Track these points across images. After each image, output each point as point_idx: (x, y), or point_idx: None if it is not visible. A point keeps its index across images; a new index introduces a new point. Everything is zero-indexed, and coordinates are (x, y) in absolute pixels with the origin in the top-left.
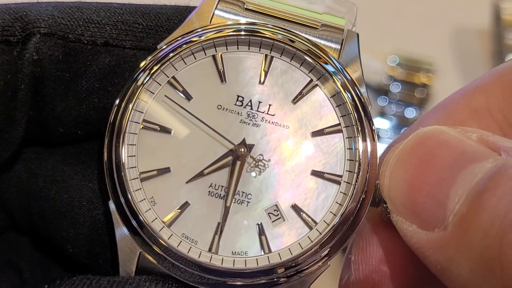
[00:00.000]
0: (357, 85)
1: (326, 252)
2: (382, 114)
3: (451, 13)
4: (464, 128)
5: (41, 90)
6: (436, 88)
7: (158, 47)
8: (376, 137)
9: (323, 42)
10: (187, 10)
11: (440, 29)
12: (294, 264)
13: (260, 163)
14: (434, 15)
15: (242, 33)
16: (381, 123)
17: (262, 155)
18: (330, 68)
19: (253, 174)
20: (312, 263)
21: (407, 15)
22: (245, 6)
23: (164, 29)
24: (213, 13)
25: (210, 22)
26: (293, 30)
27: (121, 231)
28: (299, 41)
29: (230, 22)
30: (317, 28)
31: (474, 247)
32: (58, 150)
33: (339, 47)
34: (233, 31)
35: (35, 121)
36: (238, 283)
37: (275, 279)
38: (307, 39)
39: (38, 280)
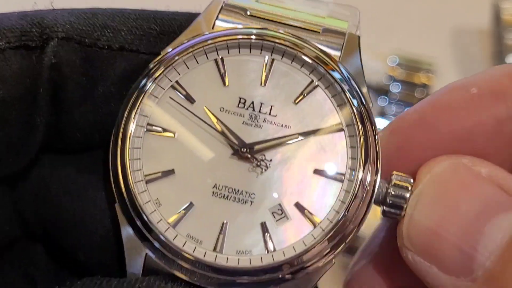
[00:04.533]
0: (358, 84)
1: (329, 249)
2: (382, 114)
3: (451, 13)
4: (472, 159)
5: (59, 95)
6: (436, 88)
7: (161, 52)
8: (378, 134)
9: (325, 48)
10: (196, 17)
11: (440, 29)
12: (298, 261)
13: (262, 162)
14: (434, 15)
15: (253, 37)
16: (381, 123)
17: (264, 155)
18: (336, 75)
19: (256, 174)
20: (316, 260)
21: (407, 15)
22: (248, 13)
23: (177, 36)
24: (214, 23)
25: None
26: (295, 34)
27: (127, 233)
28: (306, 47)
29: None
30: (319, 33)
31: None
32: (73, 159)
33: (340, 52)
34: (233, 36)
35: (52, 127)
36: (244, 281)
37: (280, 276)
38: (311, 43)
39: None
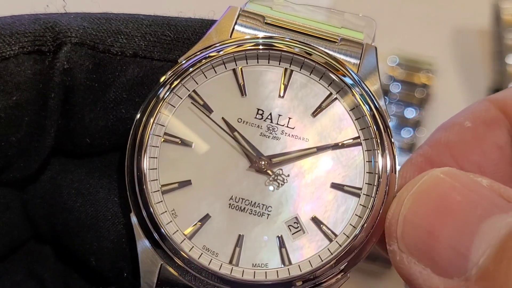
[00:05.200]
0: (376, 98)
1: (345, 264)
2: None
3: (451, 13)
4: (473, 175)
5: (71, 100)
6: (436, 88)
7: (178, 61)
8: (395, 149)
9: (342, 56)
10: (212, 24)
11: (440, 29)
12: (313, 276)
13: (279, 177)
14: (434, 15)
15: (261, 47)
16: None
17: (282, 169)
18: (348, 80)
19: (272, 187)
20: (331, 276)
21: (407, 15)
22: (265, 21)
23: (191, 42)
24: (233, 28)
25: (230, 37)
26: (311, 44)
27: (142, 243)
28: (316, 54)
29: (248, 37)
30: (336, 42)
31: None
32: (84, 162)
33: (358, 61)
34: (251, 46)
35: (63, 131)
36: None
37: None
38: (325, 52)
39: None
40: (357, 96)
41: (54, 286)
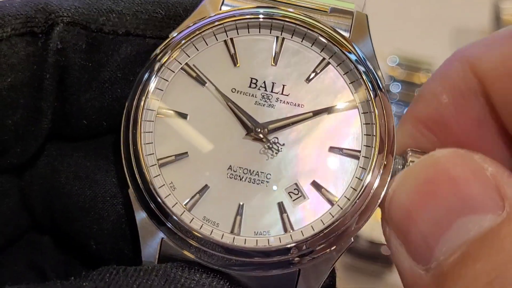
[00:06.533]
0: (370, 62)
1: (350, 225)
2: None
3: (451, 13)
4: (483, 157)
5: (66, 80)
6: None
7: (169, 36)
8: (391, 110)
9: (333, 26)
10: (202, 1)
11: (440, 29)
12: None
13: (274, 146)
14: (434, 15)
15: (250, 16)
16: None
17: (277, 138)
18: (348, 54)
19: (269, 155)
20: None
21: (407, 15)
22: None
23: (182, 19)
24: (223, 2)
25: (220, 10)
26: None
27: (141, 218)
28: (308, 20)
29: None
30: (326, 12)
31: None
32: (81, 145)
33: (349, 28)
34: (241, 16)
35: (59, 113)
36: (263, 260)
37: (300, 255)
38: (316, 19)
39: (62, 279)
40: (351, 60)
41: (55, 276)
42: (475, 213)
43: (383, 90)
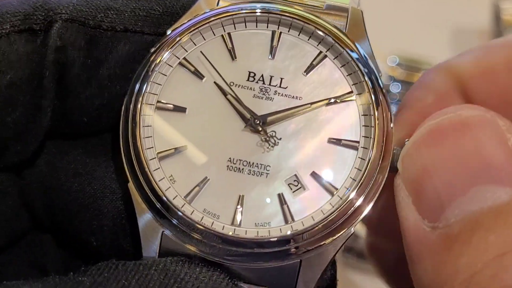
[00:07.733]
0: (366, 55)
1: (349, 217)
2: None
3: (451, 13)
4: (508, 125)
5: (65, 77)
6: None
7: (167, 32)
8: (389, 102)
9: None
10: None
11: (440, 29)
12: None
13: (271, 139)
14: (434, 15)
15: (247, 11)
16: None
17: (274, 131)
18: (354, 55)
19: (269, 146)
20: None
21: (407, 15)
22: None
23: (179, 16)
24: (218, 2)
25: (217, 6)
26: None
27: (142, 212)
28: (304, 15)
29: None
30: (322, 8)
31: (443, 267)
32: (80, 142)
33: (345, 25)
34: (238, 11)
35: (59, 111)
36: (264, 250)
37: (300, 245)
38: (313, 13)
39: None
40: (347, 52)
41: (57, 274)
42: (494, 183)
43: (380, 83)
